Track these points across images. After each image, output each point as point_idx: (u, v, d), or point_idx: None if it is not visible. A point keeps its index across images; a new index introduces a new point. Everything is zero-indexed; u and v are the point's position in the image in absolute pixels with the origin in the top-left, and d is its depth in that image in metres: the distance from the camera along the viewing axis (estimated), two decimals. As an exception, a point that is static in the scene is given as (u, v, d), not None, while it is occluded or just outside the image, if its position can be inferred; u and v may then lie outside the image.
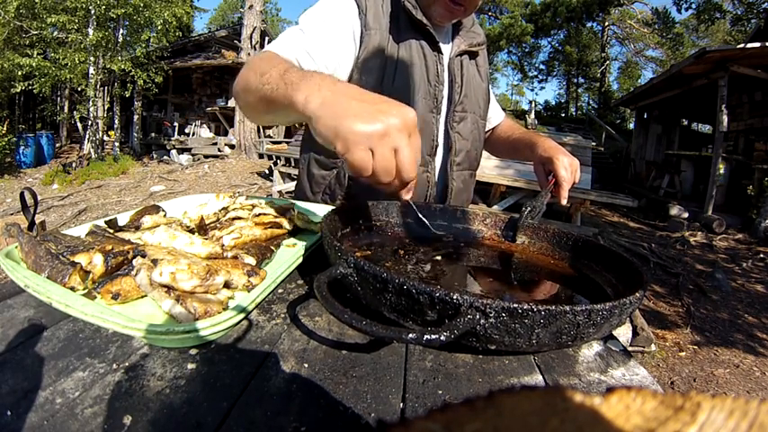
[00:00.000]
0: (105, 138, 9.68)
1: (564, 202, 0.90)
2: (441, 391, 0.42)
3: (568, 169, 0.89)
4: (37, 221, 0.68)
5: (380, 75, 0.90)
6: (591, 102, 23.73)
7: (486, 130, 1.24)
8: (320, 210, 0.91)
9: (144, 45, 8.97)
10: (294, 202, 0.95)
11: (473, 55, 1.05)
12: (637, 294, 0.46)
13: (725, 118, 6.40)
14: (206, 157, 10.08)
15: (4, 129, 8.44)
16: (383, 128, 0.45)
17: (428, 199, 1.02)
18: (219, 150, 10.28)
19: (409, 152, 0.47)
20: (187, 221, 0.75)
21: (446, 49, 1.00)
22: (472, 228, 0.86)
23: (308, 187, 1.08)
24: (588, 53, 21.63)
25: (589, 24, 19.91)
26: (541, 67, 24.56)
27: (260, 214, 0.78)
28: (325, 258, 0.59)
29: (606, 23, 19.63)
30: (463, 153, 1.03)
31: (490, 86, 1.16)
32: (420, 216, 0.80)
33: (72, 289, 0.49)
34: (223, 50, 11.77)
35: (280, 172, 6.99)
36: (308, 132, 1.03)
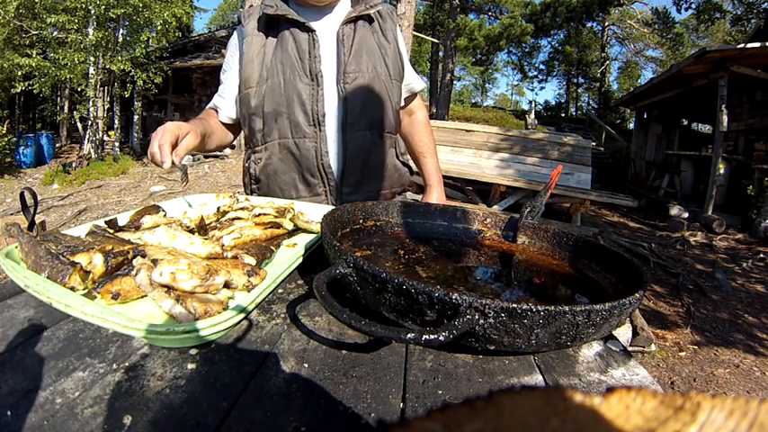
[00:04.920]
0: (105, 138, 9.66)
1: None
2: (441, 391, 0.42)
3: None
4: (37, 221, 0.68)
5: (260, 66, 1.05)
6: (591, 102, 23.74)
7: (406, 96, 1.25)
8: (320, 210, 0.91)
9: (144, 45, 8.96)
10: (294, 201, 0.95)
11: (370, 20, 1.11)
12: (636, 294, 0.46)
13: (725, 118, 6.40)
14: (206, 157, 10.07)
15: (4, 129, 8.43)
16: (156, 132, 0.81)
17: (321, 167, 1.06)
18: (219, 150, 10.26)
19: (155, 142, 0.78)
20: (187, 221, 0.75)
21: (330, 22, 1.09)
22: (472, 228, 0.86)
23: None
24: (588, 53, 21.63)
25: (589, 24, 19.88)
26: (541, 67, 24.58)
27: (260, 214, 0.78)
28: (325, 258, 0.59)
29: (606, 23, 19.63)
30: (357, 112, 1.06)
31: (401, 49, 1.18)
32: None
33: (72, 289, 0.49)
34: (223, 50, 11.75)
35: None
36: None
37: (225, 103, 1.14)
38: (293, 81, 1.03)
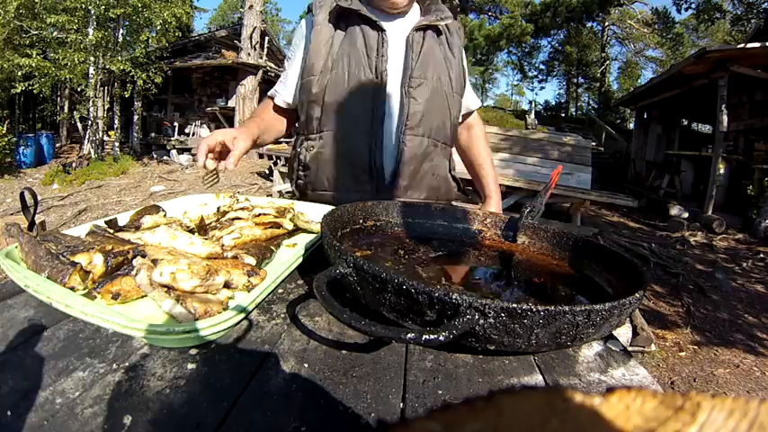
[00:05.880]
0: (105, 138, 9.65)
1: None
2: (441, 391, 0.42)
3: None
4: (37, 221, 0.69)
5: (326, 55, 1.06)
6: (591, 102, 23.71)
7: (463, 113, 1.26)
8: (320, 210, 0.92)
9: (144, 45, 8.96)
10: (294, 202, 0.95)
11: (438, 32, 1.12)
12: (636, 294, 0.46)
13: (725, 118, 6.39)
14: (206, 157, 10.04)
15: (4, 129, 8.42)
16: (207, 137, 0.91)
17: (374, 165, 1.06)
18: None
19: (201, 146, 0.88)
20: (187, 221, 0.75)
21: (400, 26, 1.11)
22: (472, 228, 0.86)
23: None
24: (588, 53, 21.60)
25: (589, 24, 19.90)
26: (541, 67, 24.53)
27: (260, 214, 0.78)
28: (325, 258, 0.59)
29: (606, 23, 19.62)
30: (418, 117, 1.06)
31: (464, 66, 1.20)
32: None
33: (72, 289, 0.49)
34: (223, 50, 11.75)
35: (280, 172, 6.98)
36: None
37: (285, 89, 1.17)
38: (358, 75, 1.04)
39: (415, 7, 1.15)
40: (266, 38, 11.47)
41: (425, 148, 1.09)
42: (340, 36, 1.07)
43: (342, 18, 1.08)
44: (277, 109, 1.19)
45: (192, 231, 0.69)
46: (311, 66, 1.06)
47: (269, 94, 1.21)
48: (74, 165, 8.72)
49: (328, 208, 0.83)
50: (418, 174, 1.10)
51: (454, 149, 1.27)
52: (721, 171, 6.60)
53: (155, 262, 0.51)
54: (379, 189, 1.08)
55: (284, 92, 1.16)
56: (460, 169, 1.28)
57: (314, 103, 1.07)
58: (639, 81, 20.19)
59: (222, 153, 0.92)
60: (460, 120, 1.25)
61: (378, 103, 1.04)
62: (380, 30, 1.05)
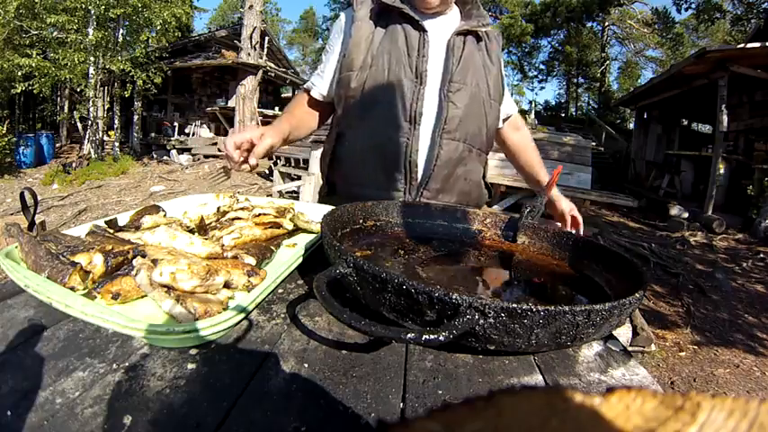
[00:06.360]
0: (105, 138, 9.66)
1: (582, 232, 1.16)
2: (441, 391, 0.42)
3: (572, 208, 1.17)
4: (37, 221, 0.69)
5: (366, 51, 1.06)
6: (591, 102, 23.70)
7: (503, 117, 1.25)
8: (320, 210, 0.92)
9: (143, 45, 8.97)
10: (294, 202, 0.95)
11: (478, 38, 1.12)
12: (636, 294, 0.46)
13: (725, 118, 6.39)
14: (206, 157, 10.07)
15: (4, 129, 8.43)
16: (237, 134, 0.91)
17: (407, 165, 1.05)
18: (219, 150, 10.27)
19: (228, 141, 0.89)
20: (187, 221, 0.75)
21: (442, 28, 1.10)
22: (472, 228, 0.86)
23: None
24: (588, 53, 21.59)
25: (589, 24, 19.91)
26: (541, 67, 24.52)
27: (260, 214, 0.78)
28: (325, 258, 0.59)
29: (606, 23, 19.62)
30: (456, 121, 1.06)
31: (503, 73, 1.19)
32: None
33: (72, 289, 0.49)
34: (223, 50, 11.75)
35: (280, 172, 6.99)
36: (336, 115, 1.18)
37: (321, 82, 1.16)
38: (397, 73, 1.03)
39: (455, 11, 1.14)
40: (266, 38, 11.47)
41: (460, 153, 1.09)
42: (380, 33, 1.06)
43: (383, 15, 1.07)
44: (311, 103, 1.19)
45: (192, 231, 0.69)
46: (350, 61, 1.06)
47: (304, 86, 1.20)
48: (74, 165, 8.72)
49: (328, 208, 0.83)
50: (451, 177, 1.10)
51: (494, 153, 1.26)
52: (721, 171, 6.60)
53: (155, 262, 0.51)
54: (411, 189, 1.07)
55: (320, 84, 1.16)
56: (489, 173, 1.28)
57: (352, 98, 1.07)
58: (639, 81, 20.18)
59: (250, 151, 0.91)
60: (500, 124, 1.25)
61: (416, 103, 1.03)
62: (422, 30, 1.04)
